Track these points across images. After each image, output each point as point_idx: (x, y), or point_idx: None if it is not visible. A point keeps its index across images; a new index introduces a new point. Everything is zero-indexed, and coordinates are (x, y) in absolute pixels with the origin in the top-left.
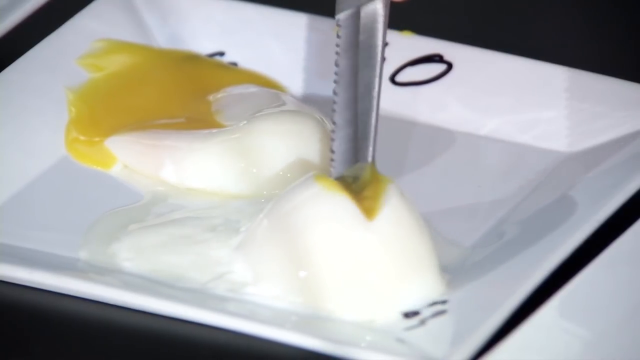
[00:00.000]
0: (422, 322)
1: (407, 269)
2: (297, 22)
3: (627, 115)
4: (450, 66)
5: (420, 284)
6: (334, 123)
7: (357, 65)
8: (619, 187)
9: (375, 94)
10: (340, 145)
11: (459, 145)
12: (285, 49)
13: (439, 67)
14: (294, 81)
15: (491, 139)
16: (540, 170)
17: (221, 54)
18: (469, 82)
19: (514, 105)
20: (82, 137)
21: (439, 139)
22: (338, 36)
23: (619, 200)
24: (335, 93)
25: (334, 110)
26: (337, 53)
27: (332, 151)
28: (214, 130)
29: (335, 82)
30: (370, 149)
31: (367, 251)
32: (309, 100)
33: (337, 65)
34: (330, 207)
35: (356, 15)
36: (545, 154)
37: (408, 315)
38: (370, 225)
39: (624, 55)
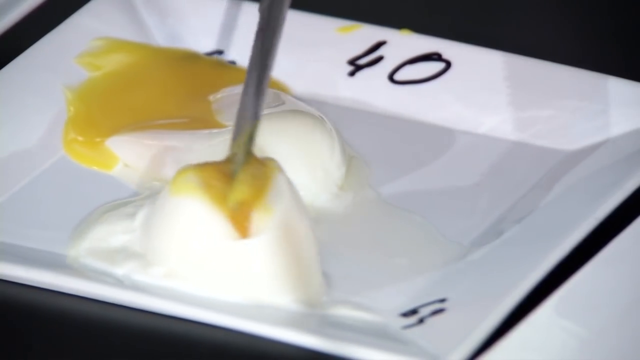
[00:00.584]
0: (421, 321)
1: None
2: (294, 21)
3: (625, 114)
4: (448, 64)
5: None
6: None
7: (263, 43)
8: (617, 186)
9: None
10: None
11: (457, 144)
12: (283, 48)
13: (438, 66)
14: (292, 80)
15: (489, 137)
16: (538, 169)
17: (220, 52)
18: (468, 80)
19: (512, 104)
20: (80, 138)
21: (437, 137)
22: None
23: (618, 198)
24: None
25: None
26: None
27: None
28: (215, 130)
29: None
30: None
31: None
32: (306, 99)
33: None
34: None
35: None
36: (544, 152)
37: (406, 314)
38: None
39: (623, 54)
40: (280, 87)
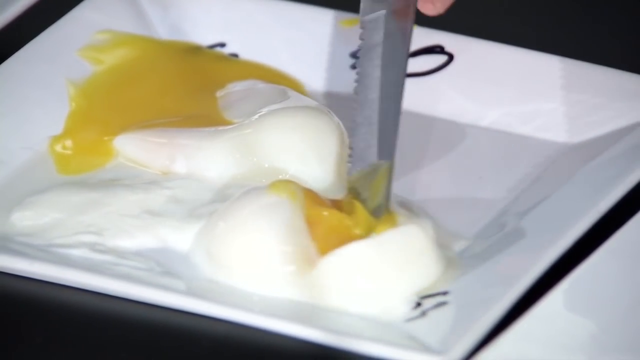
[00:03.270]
0: (423, 314)
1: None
2: (297, 14)
3: (627, 106)
4: (451, 57)
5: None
6: (354, 121)
7: (381, 66)
8: (620, 178)
9: (400, 95)
10: (359, 142)
11: (459, 137)
12: (288, 41)
13: (440, 59)
14: (295, 73)
15: (492, 130)
16: (541, 162)
17: (222, 45)
18: (470, 73)
19: (514, 97)
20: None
21: (440, 130)
22: (361, 38)
23: (621, 191)
24: (356, 92)
25: (355, 109)
26: (358, 55)
27: (351, 148)
28: (221, 128)
29: (356, 81)
30: (393, 148)
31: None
32: (309, 92)
33: (359, 65)
34: (271, 209)
35: (381, 19)
36: (546, 145)
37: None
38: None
39: (625, 47)
40: (296, 85)
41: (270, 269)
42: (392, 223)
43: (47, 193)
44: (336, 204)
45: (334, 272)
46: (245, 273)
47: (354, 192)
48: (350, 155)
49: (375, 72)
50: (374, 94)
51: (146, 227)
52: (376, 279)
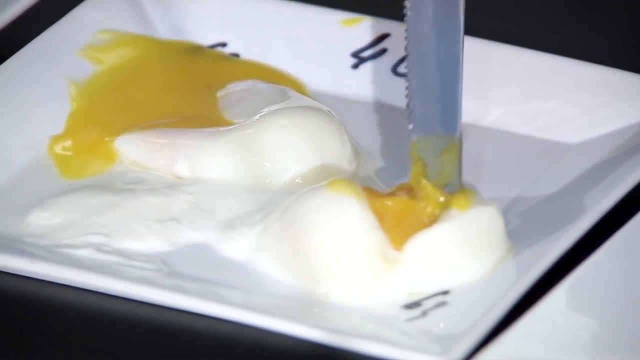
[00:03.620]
0: (424, 314)
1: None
2: (298, 13)
3: (629, 106)
4: None
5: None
6: (407, 88)
7: (432, 35)
8: (621, 178)
9: (460, 67)
10: (420, 105)
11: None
12: (289, 40)
13: None
14: (296, 72)
15: (493, 130)
16: (542, 161)
17: (223, 44)
18: (471, 73)
19: (516, 96)
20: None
21: None
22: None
23: (621, 191)
24: (408, 64)
25: (408, 75)
26: (406, 38)
27: (409, 108)
28: (223, 128)
29: (407, 49)
30: (457, 119)
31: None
32: (310, 91)
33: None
34: (339, 209)
35: None
36: (548, 145)
37: (409, 306)
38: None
39: (626, 46)
40: (297, 85)
41: (354, 270)
42: (468, 201)
43: (68, 194)
44: (401, 187)
45: (419, 258)
46: (330, 278)
47: (421, 163)
48: (410, 117)
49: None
50: (426, 65)
51: (162, 231)
52: (458, 260)
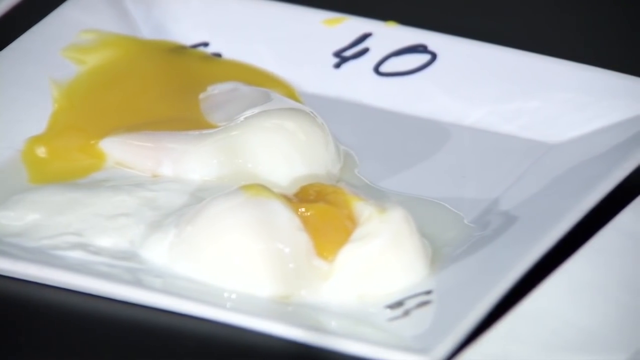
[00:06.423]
0: (406, 313)
1: None
2: (280, 13)
3: (611, 105)
4: (434, 56)
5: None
6: None
7: None
8: (602, 178)
9: None
10: None
11: (443, 136)
12: (270, 40)
13: (423, 58)
14: (278, 72)
15: (476, 129)
16: (524, 160)
17: (205, 44)
18: (454, 72)
19: (498, 96)
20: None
21: (423, 130)
22: None
23: (603, 190)
24: None
25: None
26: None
27: None
28: (206, 131)
29: None
30: None
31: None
32: (292, 91)
33: None
34: (257, 212)
35: None
36: (530, 144)
37: (392, 306)
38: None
39: (608, 45)
40: (280, 85)
41: (260, 267)
42: (382, 205)
43: (31, 192)
44: (306, 188)
45: (349, 265)
46: (228, 273)
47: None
48: None
49: None
50: None
51: (119, 229)
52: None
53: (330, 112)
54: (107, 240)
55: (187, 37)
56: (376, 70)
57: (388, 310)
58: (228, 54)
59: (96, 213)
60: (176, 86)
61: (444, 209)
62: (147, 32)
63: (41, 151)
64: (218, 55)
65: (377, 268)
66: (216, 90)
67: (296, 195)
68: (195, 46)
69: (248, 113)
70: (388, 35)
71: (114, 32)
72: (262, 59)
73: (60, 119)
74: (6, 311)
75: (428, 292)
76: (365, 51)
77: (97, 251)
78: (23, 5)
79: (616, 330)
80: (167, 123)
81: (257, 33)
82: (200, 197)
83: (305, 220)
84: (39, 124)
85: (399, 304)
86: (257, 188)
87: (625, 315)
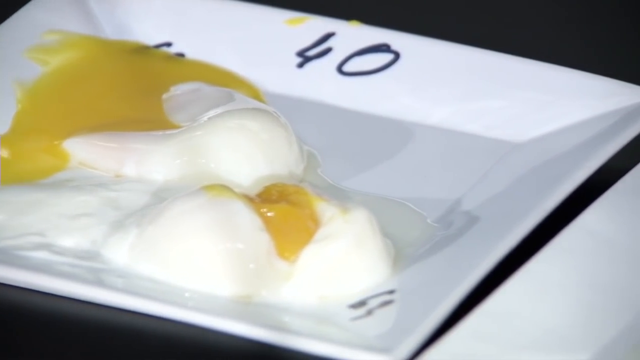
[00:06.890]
0: (369, 313)
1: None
2: (242, 12)
3: (575, 104)
4: (397, 56)
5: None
6: None
7: None
8: (566, 177)
9: None
10: None
11: (406, 135)
12: (233, 40)
13: (387, 57)
14: (241, 71)
15: (439, 128)
16: (488, 160)
17: (168, 44)
18: (417, 71)
19: (461, 95)
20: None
21: (386, 129)
22: None
23: (566, 189)
24: None
25: None
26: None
27: None
28: (170, 132)
29: None
30: None
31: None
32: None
33: None
34: (218, 213)
35: None
36: (494, 143)
37: (354, 305)
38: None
39: (573, 44)
40: (251, 89)
41: (218, 267)
42: (344, 205)
43: None
44: (270, 188)
45: (311, 266)
46: (189, 272)
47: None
48: None
49: None
50: None
51: (82, 229)
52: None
53: (294, 112)
54: (70, 240)
55: (150, 37)
56: (339, 69)
57: (351, 310)
58: (191, 54)
59: (59, 213)
60: (140, 86)
61: (407, 209)
62: (110, 32)
63: (4, 152)
64: (181, 55)
65: (339, 269)
66: (179, 90)
67: (258, 195)
68: (158, 46)
69: (211, 113)
70: (351, 34)
71: (77, 32)
72: (225, 59)
73: (24, 120)
74: None
75: (391, 292)
76: (328, 51)
77: (60, 251)
78: None
79: (580, 329)
80: (130, 123)
81: (220, 33)
82: (162, 197)
83: (267, 221)
84: (2, 124)
85: (361, 303)
86: (219, 188)
87: (589, 314)
